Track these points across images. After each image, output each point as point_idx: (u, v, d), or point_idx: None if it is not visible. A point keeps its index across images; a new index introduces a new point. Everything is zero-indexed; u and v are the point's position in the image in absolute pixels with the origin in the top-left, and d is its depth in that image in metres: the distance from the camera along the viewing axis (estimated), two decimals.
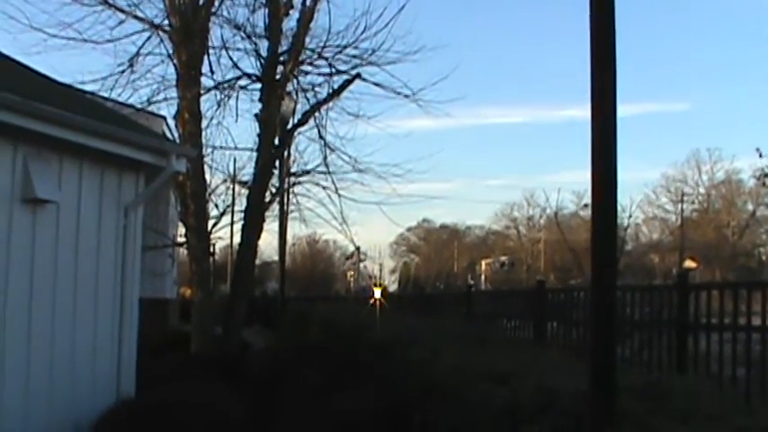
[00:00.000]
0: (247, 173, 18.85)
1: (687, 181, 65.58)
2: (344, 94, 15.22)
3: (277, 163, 15.87)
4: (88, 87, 13.50)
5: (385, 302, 12.00)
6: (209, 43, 14.04)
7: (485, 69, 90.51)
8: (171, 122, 16.42)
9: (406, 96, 15.18)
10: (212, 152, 17.03)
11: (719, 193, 65.95)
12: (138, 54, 13.88)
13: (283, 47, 14.55)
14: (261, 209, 14.85)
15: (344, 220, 16.21)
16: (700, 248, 58.83)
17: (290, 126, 15.78)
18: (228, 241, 31.09)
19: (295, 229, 54.72)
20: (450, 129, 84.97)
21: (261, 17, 14.64)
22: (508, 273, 72.31)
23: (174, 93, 13.91)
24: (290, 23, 14.52)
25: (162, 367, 10.50)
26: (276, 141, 15.06)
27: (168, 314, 21.48)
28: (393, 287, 69.46)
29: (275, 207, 18.39)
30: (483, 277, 75.58)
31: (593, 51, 4.43)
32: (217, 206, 21.87)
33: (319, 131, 15.68)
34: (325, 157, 15.73)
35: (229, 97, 15.26)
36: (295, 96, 15.67)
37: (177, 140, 13.81)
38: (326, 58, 14.93)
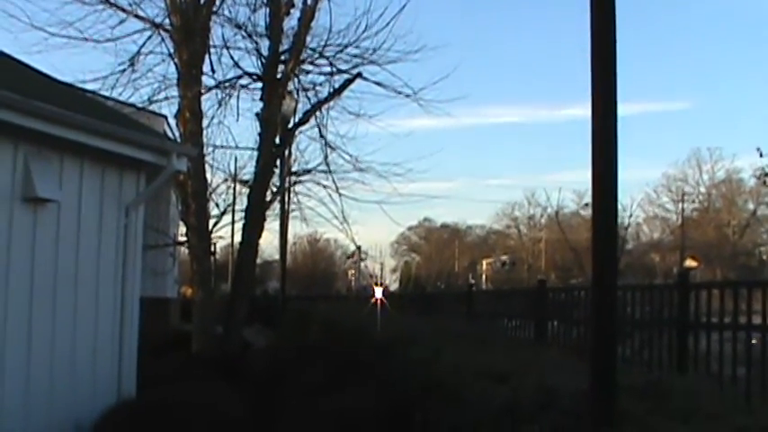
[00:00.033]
0: (248, 172, 18.89)
1: (688, 180, 65.66)
2: (345, 93, 15.27)
3: (278, 162, 15.90)
4: (89, 86, 13.53)
5: (386, 302, 11.99)
6: (210, 42, 14.07)
7: (485, 69, 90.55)
8: (172, 121, 16.47)
9: (407, 96, 15.23)
10: (213, 151, 17.12)
11: (720, 193, 65.92)
12: (138, 53, 13.91)
13: (284, 46, 14.58)
14: (262, 208, 14.86)
15: (345, 220, 16.26)
16: (700, 248, 58.81)
17: (291, 125, 15.80)
18: (229, 240, 31.08)
19: (296, 228, 54.69)
20: (451, 128, 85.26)
21: (262, 16, 14.70)
22: (509, 272, 72.27)
23: (174, 92, 13.93)
24: (291, 22, 14.56)
25: (163, 366, 10.51)
26: (277, 140, 15.08)
27: (169, 313, 21.50)
28: (394, 286, 69.51)
29: (276, 206, 18.47)
30: (484, 277, 75.56)
31: (594, 50, 4.43)
32: (218, 205, 21.95)
33: (320, 130, 15.72)
34: (326, 157, 15.78)
35: (230, 96, 15.30)
36: (296, 95, 15.71)
37: (178, 139, 13.82)
38: (327, 58, 14.95)
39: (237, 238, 20.27)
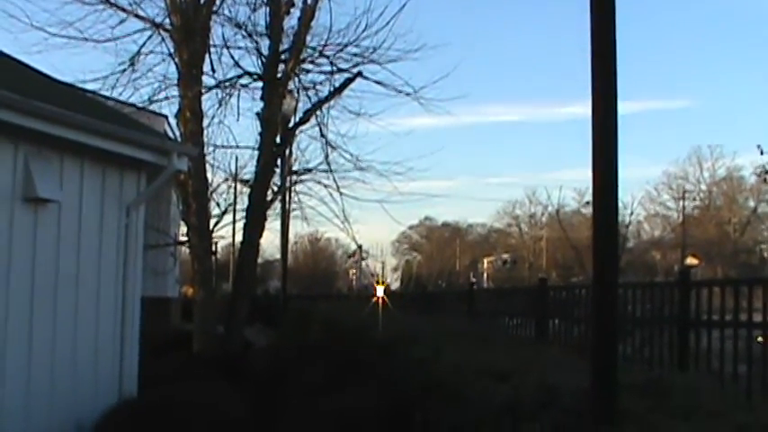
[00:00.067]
0: (249, 171, 18.90)
1: (688, 178, 65.65)
2: (346, 92, 15.25)
3: (279, 161, 15.90)
4: (89, 86, 13.51)
5: (387, 300, 11.99)
6: (211, 42, 14.06)
7: (486, 67, 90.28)
8: (172, 121, 16.48)
9: (408, 94, 15.20)
10: (214, 151, 17.09)
11: (721, 190, 65.93)
12: (139, 53, 13.90)
13: (284, 45, 14.57)
14: (262, 207, 14.86)
15: (346, 219, 16.24)
16: (701, 245, 58.80)
17: (291, 124, 15.80)
18: (230, 240, 31.09)
19: (297, 228, 54.58)
20: (452, 126, 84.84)
21: (262, 15, 14.67)
22: (510, 270, 72.20)
23: (175, 91, 13.92)
24: (291, 22, 14.55)
25: (164, 366, 10.51)
26: (278, 140, 15.08)
27: (170, 313, 21.52)
28: (395, 285, 69.48)
29: (277, 205, 18.47)
30: (485, 275, 75.51)
31: (594, 49, 4.43)
32: (218, 205, 21.95)
33: (321, 130, 15.70)
34: (326, 156, 15.75)
35: (231, 96, 15.28)
36: (296, 95, 15.70)
37: (178, 139, 13.83)
38: (328, 57, 14.94)
39: (238, 237, 20.38)
